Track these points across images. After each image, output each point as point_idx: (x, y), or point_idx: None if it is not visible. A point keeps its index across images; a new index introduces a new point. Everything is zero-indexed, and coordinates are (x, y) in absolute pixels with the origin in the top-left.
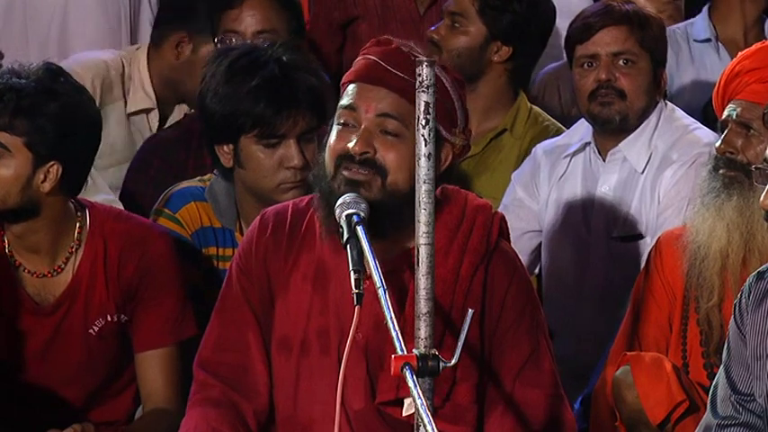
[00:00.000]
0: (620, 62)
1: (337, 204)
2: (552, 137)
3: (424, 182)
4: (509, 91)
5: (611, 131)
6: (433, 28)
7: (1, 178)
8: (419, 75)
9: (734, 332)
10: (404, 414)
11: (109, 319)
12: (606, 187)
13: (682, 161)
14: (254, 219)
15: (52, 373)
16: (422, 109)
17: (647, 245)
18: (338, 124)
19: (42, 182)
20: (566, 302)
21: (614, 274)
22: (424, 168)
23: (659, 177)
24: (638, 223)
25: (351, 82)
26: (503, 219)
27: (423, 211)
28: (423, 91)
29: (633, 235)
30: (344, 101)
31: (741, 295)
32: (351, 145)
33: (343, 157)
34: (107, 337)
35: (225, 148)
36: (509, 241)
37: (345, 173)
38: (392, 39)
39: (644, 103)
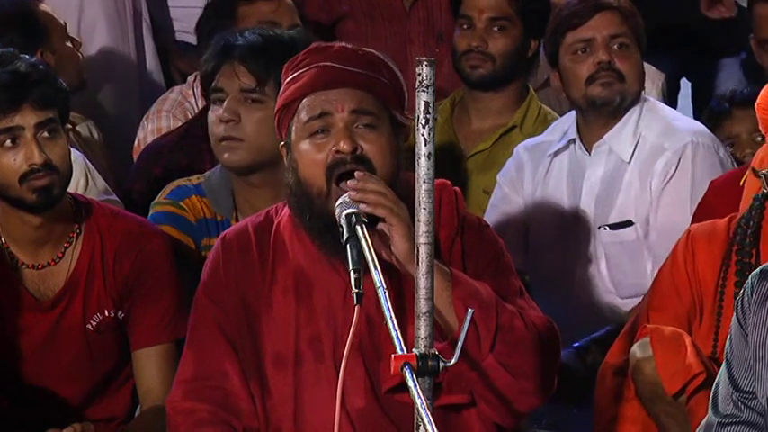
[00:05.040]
0: (616, 46)
1: (337, 204)
2: None
3: (424, 182)
4: (523, 87)
5: (603, 116)
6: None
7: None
8: (419, 74)
9: (736, 330)
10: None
11: (106, 314)
12: (593, 179)
13: (674, 149)
14: (249, 209)
15: (50, 369)
16: (422, 109)
17: (636, 231)
18: (308, 137)
19: None
20: (553, 295)
21: (603, 263)
22: (423, 168)
23: (651, 166)
24: (627, 212)
25: (305, 95)
26: (460, 192)
27: (423, 210)
28: (423, 91)
29: (621, 222)
30: (309, 113)
31: (744, 293)
32: (337, 147)
33: (334, 166)
34: (104, 332)
35: None
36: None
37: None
38: (323, 43)
39: (637, 87)
